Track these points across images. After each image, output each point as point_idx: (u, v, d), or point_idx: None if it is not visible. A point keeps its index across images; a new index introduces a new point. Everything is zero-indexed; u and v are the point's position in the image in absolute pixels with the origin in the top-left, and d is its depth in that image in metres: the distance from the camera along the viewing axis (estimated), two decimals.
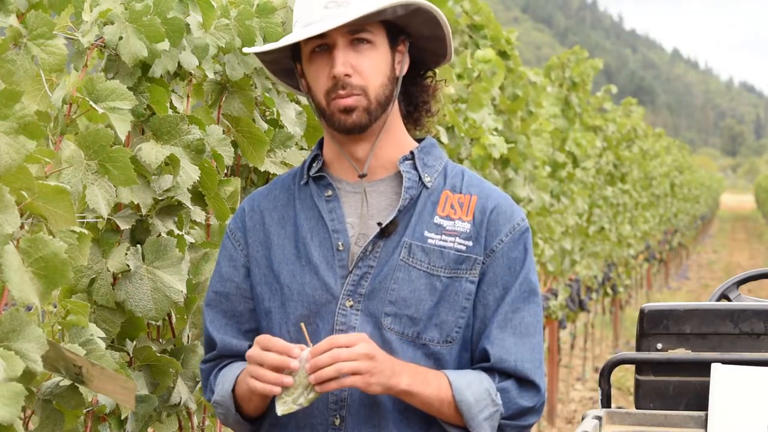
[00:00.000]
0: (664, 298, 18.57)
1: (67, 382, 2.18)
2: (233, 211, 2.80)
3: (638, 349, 3.11)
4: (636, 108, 13.85)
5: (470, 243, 2.30)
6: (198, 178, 2.62)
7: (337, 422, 2.28)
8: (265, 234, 2.38)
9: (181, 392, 2.69)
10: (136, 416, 2.55)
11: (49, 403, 2.18)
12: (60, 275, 1.85)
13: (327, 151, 2.38)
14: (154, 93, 2.59)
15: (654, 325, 3.08)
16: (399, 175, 2.33)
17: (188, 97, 2.84)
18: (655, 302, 3.28)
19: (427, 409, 2.27)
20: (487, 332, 2.30)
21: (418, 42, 2.36)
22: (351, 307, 2.28)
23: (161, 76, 2.60)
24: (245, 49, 2.42)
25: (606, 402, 3.07)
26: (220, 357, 2.42)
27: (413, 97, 2.40)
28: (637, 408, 3.06)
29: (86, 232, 2.26)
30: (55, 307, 2.44)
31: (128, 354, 2.61)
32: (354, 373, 2.17)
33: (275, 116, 3.13)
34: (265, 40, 2.92)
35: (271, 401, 2.28)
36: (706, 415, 2.87)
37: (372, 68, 2.27)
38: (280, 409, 2.18)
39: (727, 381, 2.85)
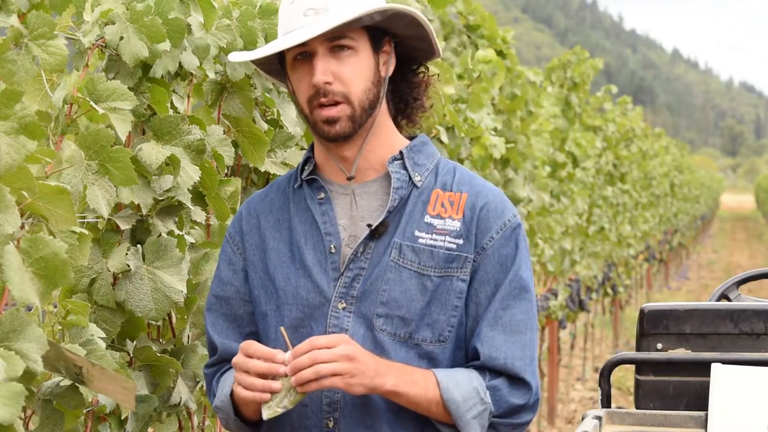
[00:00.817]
0: (664, 298, 18.57)
1: (67, 382, 2.18)
2: (234, 212, 2.80)
3: (638, 349, 3.11)
4: (632, 107, 13.83)
5: (460, 241, 2.30)
6: (198, 179, 2.62)
7: (331, 424, 2.28)
8: (261, 237, 2.38)
9: (181, 392, 2.69)
10: (136, 416, 2.55)
11: (49, 403, 2.18)
12: (60, 275, 1.85)
13: (317, 154, 2.38)
14: (154, 93, 2.59)
15: (654, 325, 3.08)
16: (389, 176, 2.33)
17: (189, 97, 2.84)
18: (655, 302, 3.28)
19: (416, 408, 2.26)
20: (477, 330, 2.29)
21: (405, 41, 2.35)
22: (343, 309, 2.28)
23: (162, 76, 2.60)
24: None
25: (606, 402, 3.07)
26: (222, 361, 2.42)
27: (404, 94, 2.38)
28: (637, 408, 3.06)
29: (86, 232, 2.26)
30: (56, 307, 2.44)
31: (128, 354, 2.61)
32: (334, 374, 2.17)
33: (275, 116, 3.13)
34: (267, 41, 2.92)
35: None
36: (706, 415, 2.87)
37: (353, 74, 2.26)
38: (266, 414, 2.18)
39: (727, 381, 2.85)
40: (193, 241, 2.80)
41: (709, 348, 3.06)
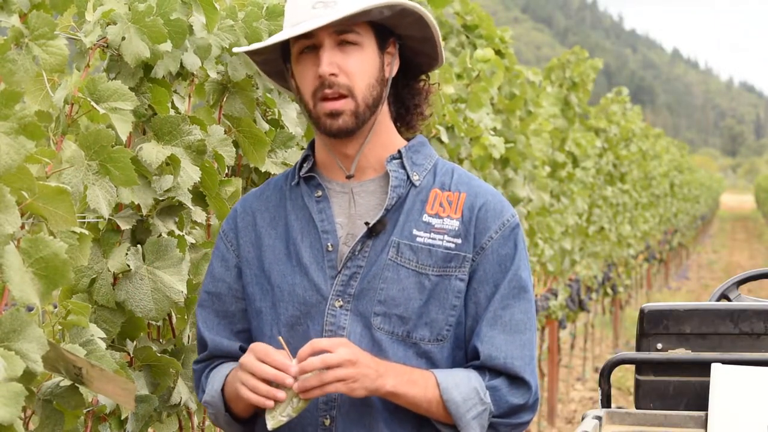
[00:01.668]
0: (664, 298, 18.57)
1: (67, 382, 2.18)
2: None
3: (638, 349, 3.11)
4: (631, 106, 13.83)
5: (459, 240, 2.30)
6: (199, 179, 2.63)
7: (327, 422, 2.28)
8: (257, 234, 2.39)
9: (182, 392, 2.69)
10: (137, 416, 2.55)
11: (49, 403, 2.18)
12: (60, 275, 1.85)
13: (318, 151, 2.39)
14: (155, 93, 2.59)
15: (654, 325, 3.08)
16: (388, 176, 2.33)
17: (190, 97, 2.84)
18: (655, 302, 3.28)
19: (416, 409, 2.27)
20: (477, 330, 2.30)
21: (410, 44, 2.36)
22: (340, 307, 2.28)
23: (163, 76, 2.60)
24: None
25: (606, 402, 3.07)
26: (211, 357, 2.43)
27: (405, 100, 2.40)
28: (637, 408, 3.06)
29: (87, 232, 2.26)
30: (56, 307, 2.44)
31: (128, 354, 2.61)
32: (337, 380, 2.17)
33: (276, 117, 3.13)
34: None
35: (260, 408, 2.28)
36: (706, 415, 2.87)
37: (359, 69, 2.27)
38: (270, 424, 2.18)
39: (727, 381, 2.86)
40: (194, 241, 2.80)
41: (709, 348, 3.07)
